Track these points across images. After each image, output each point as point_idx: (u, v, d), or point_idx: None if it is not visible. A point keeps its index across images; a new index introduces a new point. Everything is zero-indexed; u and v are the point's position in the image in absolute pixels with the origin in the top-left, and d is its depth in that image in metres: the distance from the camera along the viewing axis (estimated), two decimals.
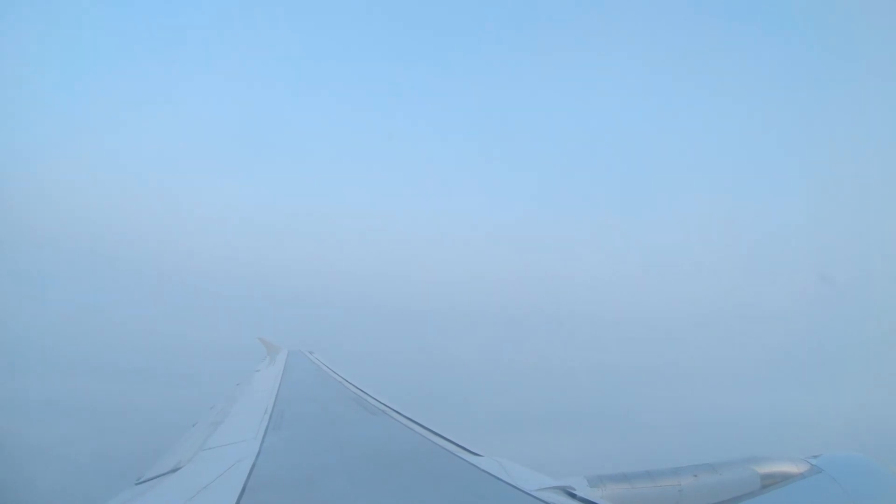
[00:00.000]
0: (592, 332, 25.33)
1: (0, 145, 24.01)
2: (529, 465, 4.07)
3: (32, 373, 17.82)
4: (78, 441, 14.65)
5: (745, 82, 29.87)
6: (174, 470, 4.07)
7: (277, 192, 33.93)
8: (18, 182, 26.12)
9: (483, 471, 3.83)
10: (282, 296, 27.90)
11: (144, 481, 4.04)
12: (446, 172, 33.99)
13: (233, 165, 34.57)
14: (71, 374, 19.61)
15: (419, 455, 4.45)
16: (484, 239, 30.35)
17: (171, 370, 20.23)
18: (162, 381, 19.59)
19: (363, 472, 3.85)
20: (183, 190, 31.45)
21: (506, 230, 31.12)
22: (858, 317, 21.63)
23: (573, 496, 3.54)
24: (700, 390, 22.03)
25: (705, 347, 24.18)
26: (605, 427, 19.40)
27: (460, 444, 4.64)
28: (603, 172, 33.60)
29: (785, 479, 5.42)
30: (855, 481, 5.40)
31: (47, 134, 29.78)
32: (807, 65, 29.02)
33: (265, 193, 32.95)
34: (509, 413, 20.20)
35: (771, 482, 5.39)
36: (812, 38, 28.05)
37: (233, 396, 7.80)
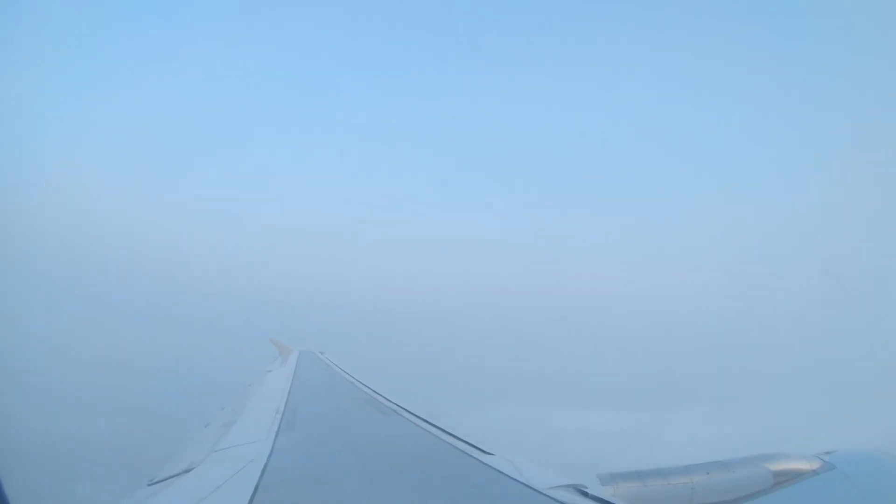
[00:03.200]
0: (598, 335, 25.21)
1: (3, 147, 24.13)
2: (540, 463, 4.07)
3: (42, 373, 17.97)
4: (89, 441, 14.76)
5: (749, 82, 29.48)
6: (186, 470, 4.09)
7: (289, 194, 34.03)
8: (28, 186, 26.37)
9: (495, 469, 3.82)
10: (293, 297, 27.98)
11: (157, 482, 4.05)
12: (454, 177, 33.80)
13: (242, 167, 34.60)
14: (82, 373, 19.79)
15: (431, 454, 4.46)
16: (493, 242, 30.19)
17: (183, 370, 20.37)
18: (173, 381, 19.70)
19: (375, 472, 3.87)
20: (196, 191, 31.62)
21: (516, 233, 31.00)
22: (867, 314, 21.38)
23: (585, 495, 3.53)
24: (709, 389, 21.91)
25: (712, 346, 23.99)
26: (608, 429, 19.35)
27: (472, 442, 4.65)
28: (607, 174, 33.27)
29: (797, 476, 5.40)
30: (869, 478, 5.36)
31: (52, 136, 29.95)
32: (814, 62, 28.50)
33: (277, 195, 33.03)
34: (513, 412, 20.19)
35: (783, 480, 5.36)
36: (825, 33, 27.63)
37: (244, 397, 7.83)
